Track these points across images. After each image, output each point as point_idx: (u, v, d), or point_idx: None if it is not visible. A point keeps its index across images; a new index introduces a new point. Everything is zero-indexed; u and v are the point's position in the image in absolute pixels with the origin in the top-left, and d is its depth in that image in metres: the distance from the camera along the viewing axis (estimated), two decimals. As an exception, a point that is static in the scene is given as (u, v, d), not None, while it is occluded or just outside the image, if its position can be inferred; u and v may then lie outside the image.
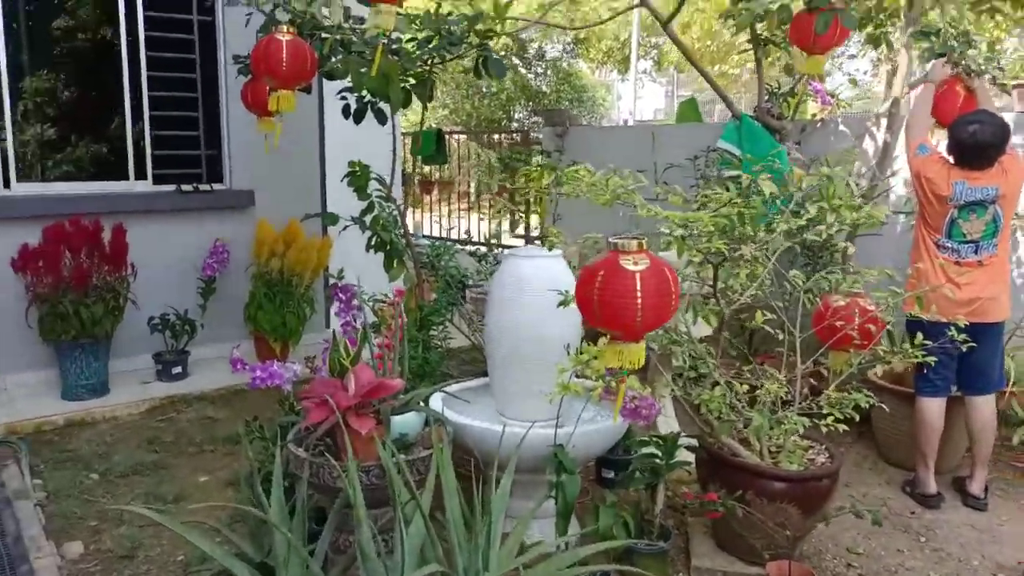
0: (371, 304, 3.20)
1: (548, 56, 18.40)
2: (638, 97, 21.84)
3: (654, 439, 2.86)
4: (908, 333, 3.37)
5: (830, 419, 2.75)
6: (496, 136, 9.40)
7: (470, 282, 4.56)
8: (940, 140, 3.63)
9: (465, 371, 4.62)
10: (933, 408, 3.50)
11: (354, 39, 3.79)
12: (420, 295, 4.02)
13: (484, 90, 17.30)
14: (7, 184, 4.95)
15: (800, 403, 2.91)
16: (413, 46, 3.83)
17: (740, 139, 4.81)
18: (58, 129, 5.23)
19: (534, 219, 6.01)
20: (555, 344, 2.91)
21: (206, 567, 2.66)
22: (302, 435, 2.61)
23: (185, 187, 5.46)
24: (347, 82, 3.77)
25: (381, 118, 4.13)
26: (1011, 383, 3.83)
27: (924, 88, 3.73)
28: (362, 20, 3.76)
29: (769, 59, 5.10)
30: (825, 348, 3.04)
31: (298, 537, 2.42)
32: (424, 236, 7.64)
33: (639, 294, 2.02)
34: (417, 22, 3.73)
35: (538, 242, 4.59)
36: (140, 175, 5.37)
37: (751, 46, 4.91)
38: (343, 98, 4.06)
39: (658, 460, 2.85)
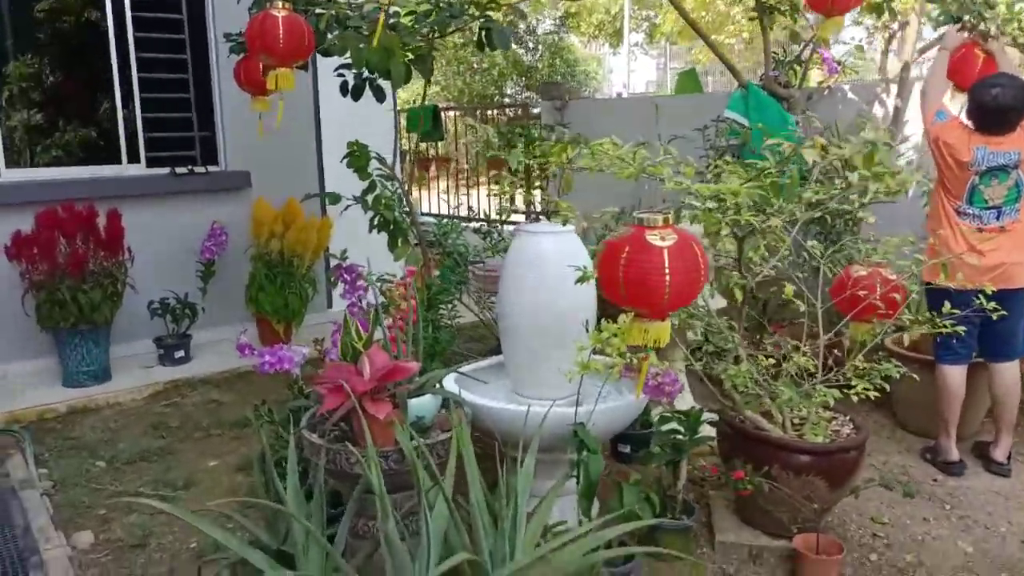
0: (379, 285, 3.11)
1: (539, 31, 18.20)
2: (631, 70, 21.66)
3: (677, 415, 2.80)
4: (930, 301, 3.31)
5: (859, 388, 2.69)
6: (490, 112, 9.28)
7: (472, 258, 4.47)
8: (962, 104, 3.54)
9: (473, 349, 4.55)
10: (955, 376, 3.45)
11: (350, 13, 3.68)
12: (427, 274, 3.94)
13: (476, 66, 17.12)
14: (-3, 170, 4.85)
15: (824, 374, 2.85)
16: (411, 20, 3.72)
17: (747, 108, 4.71)
18: (46, 114, 5.11)
19: (536, 195, 5.92)
20: (572, 321, 2.83)
21: (220, 555, 2.60)
22: (316, 421, 2.54)
23: (180, 170, 5.36)
24: (344, 59, 3.67)
25: (380, 95, 4.03)
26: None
27: (939, 55, 3.64)
28: (357, -6, 3.65)
29: (772, 28, 4.99)
30: (848, 319, 2.98)
31: (316, 525, 2.36)
32: (423, 214, 7.54)
33: (667, 271, 1.94)
34: (415, -6, 3.61)
35: (543, 217, 4.49)
36: (133, 159, 5.26)
37: (756, 14, 4.79)
38: (340, 75, 3.96)
39: (681, 436, 2.80)
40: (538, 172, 4.45)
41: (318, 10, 3.60)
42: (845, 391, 2.71)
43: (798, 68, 4.94)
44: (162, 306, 5.10)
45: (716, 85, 17.30)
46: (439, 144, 8.18)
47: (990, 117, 3.30)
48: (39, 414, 4.32)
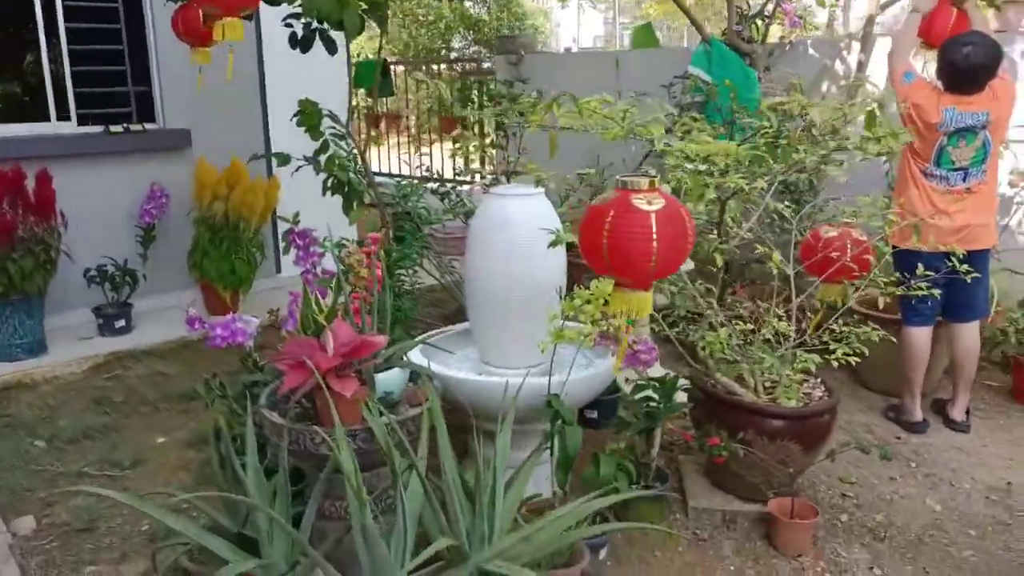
0: (337, 251, 2.95)
1: (486, -18, 17.71)
2: (579, 23, 21.36)
3: (652, 382, 2.73)
4: (899, 264, 3.29)
5: (839, 353, 2.65)
6: (435, 67, 9.01)
7: (432, 221, 4.32)
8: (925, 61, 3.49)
9: (432, 314, 4.42)
10: (921, 337, 3.46)
11: (299, -43, 3.44)
12: (385, 239, 3.77)
13: (421, 19, 16.60)
14: (-90, 129, 4.48)
15: (798, 338, 2.81)
16: (364, -35, 3.50)
17: (710, 64, 4.62)
18: (-37, 68, 4.72)
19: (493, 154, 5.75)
20: (543, 288, 2.72)
21: (176, 541, 2.45)
22: (277, 400, 2.39)
23: (114, 128, 5.03)
24: (293, 7, 3.44)
25: (331, 47, 3.81)
26: (994, 304, 3.81)
27: (910, 17, 3.57)
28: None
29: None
30: (820, 281, 2.94)
31: (281, 511, 2.23)
32: (377, 175, 7.30)
33: (655, 236, 1.83)
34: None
35: (503, 179, 4.35)
36: (63, 116, 4.92)
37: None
38: (288, 25, 3.73)
39: (655, 404, 2.73)
40: (498, 131, 4.29)
41: (263, -46, 3.36)
42: (825, 356, 2.68)
43: (760, 23, 4.85)
44: (100, 273, 4.83)
45: (665, 40, 17.16)
46: (387, 101, 7.93)
47: (960, 76, 3.25)
48: (-30, 391, 4.07)
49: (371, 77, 4.06)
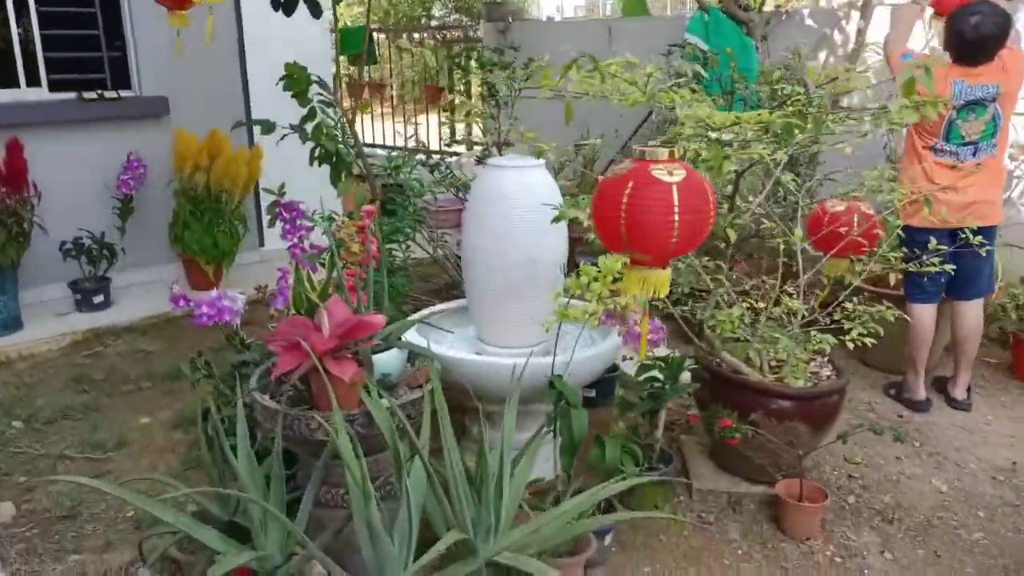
0: (328, 224, 2.81)
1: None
2: (561, -8, 20.97)
3: (658, 362, 2.64)
4: (908, 240, 3.21)
5: (854, 333, 2.57)
6: (417, 35, 8.78)
7: (424, 193, 4.18)
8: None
9: (423, 288, 4.29)
10: (926, 315, 3.39)
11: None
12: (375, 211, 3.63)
13: (402, -15, 16.21)
14: None
15: (807, 317, 2.73)
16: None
17: (707, 32, 4.50)
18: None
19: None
20: (545, 266, 2.62)
21: (164, 529, 2.34)
22: (270, 383, 2.27)
23: (87, 94, 4.83)
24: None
25: (315, 10, 3.64)
26: (997, 281, 3.76)
27: (908, 6, 3.47)
28: None
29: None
30: (828, 257, 2.85)
31: (276, 501, 2.13)
32: (366, 145, 7.12)
33: (676, 209, 1.72)
34: None
35: (494, 149, 4.21)
36: (33, 82, 4.70)
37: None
38: (271, -14, 3.54)
39: (660, 384, 2.65)
40: (490, 99, 4.15)
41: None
42: (840, 337, 2.59)
43: (758, -10, 4.72)
44: (76, 247, 4.65)
45: (654, 9, 16.92)
46: (370, 69, 7.71)
47: (968, 47, 3.15)
48: (-58, 370, 3.91)
49: (358, 43, 3.90)
